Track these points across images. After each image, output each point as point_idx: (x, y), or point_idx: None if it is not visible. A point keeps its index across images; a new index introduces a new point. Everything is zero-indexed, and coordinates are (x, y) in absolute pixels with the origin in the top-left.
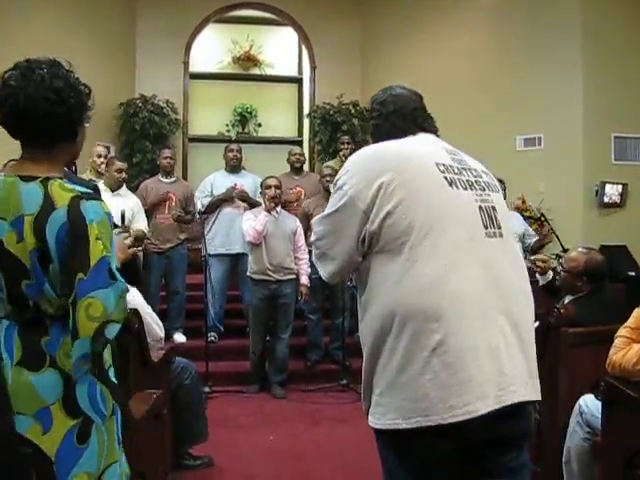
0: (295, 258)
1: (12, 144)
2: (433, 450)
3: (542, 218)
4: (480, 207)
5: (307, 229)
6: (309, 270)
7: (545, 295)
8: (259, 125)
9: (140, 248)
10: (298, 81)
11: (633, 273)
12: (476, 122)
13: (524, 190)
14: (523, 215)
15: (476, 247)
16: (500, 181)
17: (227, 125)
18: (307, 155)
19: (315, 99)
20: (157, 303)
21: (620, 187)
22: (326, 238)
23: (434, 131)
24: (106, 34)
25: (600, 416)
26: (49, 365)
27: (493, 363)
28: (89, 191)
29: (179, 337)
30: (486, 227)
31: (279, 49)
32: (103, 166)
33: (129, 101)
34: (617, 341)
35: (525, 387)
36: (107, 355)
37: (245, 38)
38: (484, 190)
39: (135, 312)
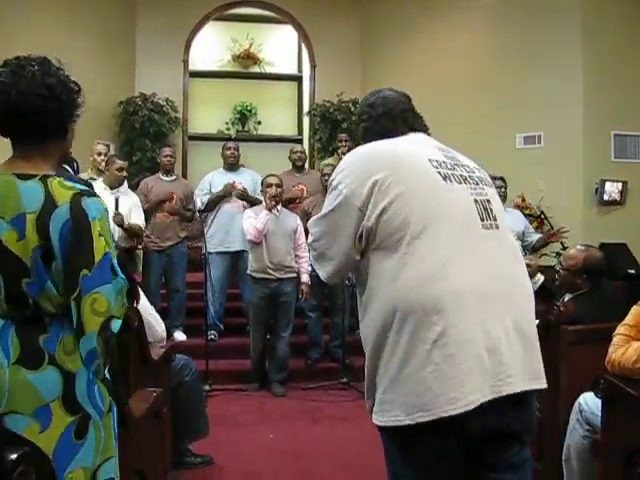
0: (295, 256)
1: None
2: (436, 446)
3: (542, 216)
4: (475, 200)
5: (307, 227)
6: (309, 268)
7: (541, 300)
8: (259, 123)
9: (140, 246)
10: (298, 79)
11: (633, 271)
12: (476, 120)
13: (524, 188)
14: (523, 213)
15: (473, 239)
16: (501, 179)
17: (227, 123)
18: (307, 153)
19: (315, 97)
20: (157, 301)
21: (620, 185)
22: (323, 239)
23: (425, 130)
24: (106, 34)
25: (600, 414)
26: (48, 363)
27: (493, 354)
28: (88, 188)
29: (179, 335)
30: (482, 219)
31: (279, 47)
32: (103, 164)
33: (129, 99)
34: (616, 339)
35: (525, 377)
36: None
37: (245, 36)
38: (478, 184)
39: (135, 310)
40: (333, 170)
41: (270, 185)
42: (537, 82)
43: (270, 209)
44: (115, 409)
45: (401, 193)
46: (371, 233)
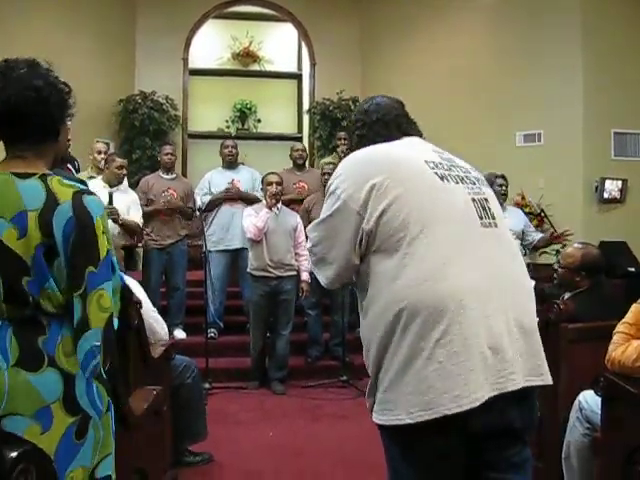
0: (295, 254)
1: None
2: (437, 445)
3: (542, 214)
4: (473, 199)
5: (308, 225)
6: (309, 266)
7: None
8: (259, 121)
9: (140, 244)
10: (298, 77)
11: (633, 269)
12: (476, 118)
13: (524, 186)
14: (523, 211)
15: (472, 238)
16: (502, 177)
17: (227, 121)
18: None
19: (315, 95)
20: (158, 299)
21: (620, 183)
22: (322, 243)
23: (419, 135)
24: (106, 33)
25: (600, 412)
26: (48, 365)
27: (495, 351)
28: (86, 187)
29: (179, 333)
30: (481, 217)
31: (279, 45)
32: (103, 162)
33: (128, 97)
34: (616, 337)
35: (527, 374)
36: None
37: (245, 34)
38: (475, 184)
39: (135, 308)
40: (334, 169)
41: (270, 183)
42: (537, 82)
43: (270, 207)
44: (112, 408)
45: (399, 195)
46: (371, 236)
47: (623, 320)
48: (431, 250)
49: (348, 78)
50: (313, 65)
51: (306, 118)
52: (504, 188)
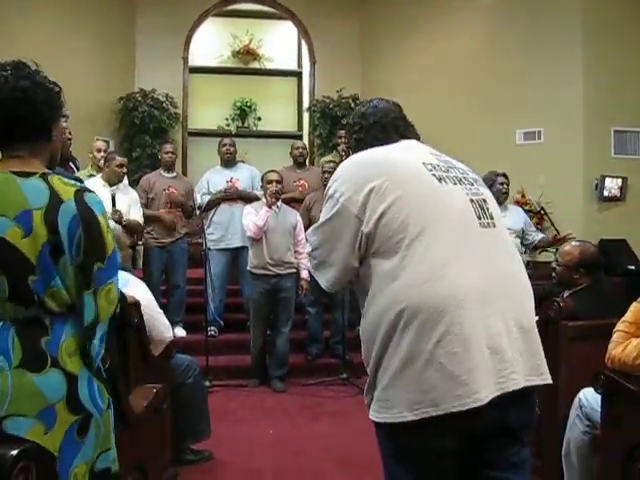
0: (295, 252)
1: None
2: (431, 444)
3: (542, 212)
4: (471, 200)
5: (308, 223)
6: (309, 264)
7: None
8: (259, 119)
9: (140, 242)
10: (298, 75)
11: (633, 267)
12: (476, 117)
13: (524, 184)
14: (523, 209)
15: (471, 238)
16: (504, 175)
17: (227, 119)
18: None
19: (315, 93)
20: (158, 297)
21: (620, 181)
22: (321, 247)
23: (417, 138)
24: (106, 33)
25: (600, 409)
26: (51, 365)
27: (495, 351)
28: (84, 185)
29: (179, 331)
30: (479, 218)
31: (278, 43)
32: (103, 161)
33: (128, 95)
34: (615, 335)
35: (527, 373)
36: None
37: (244, 32)
38: (472, 185)
39: (135, 306)
40: (334, 167)
41: (270, 182)
42: (537, 81)
43: (270, 206)
44: (112, 405)
45: (398, 197)
46: (370, 238)
47: (623, 319)
48: (430, 251)
49: (348, 76)
50: (313, 63)
51: (306, 116)
52: (505, 187)
